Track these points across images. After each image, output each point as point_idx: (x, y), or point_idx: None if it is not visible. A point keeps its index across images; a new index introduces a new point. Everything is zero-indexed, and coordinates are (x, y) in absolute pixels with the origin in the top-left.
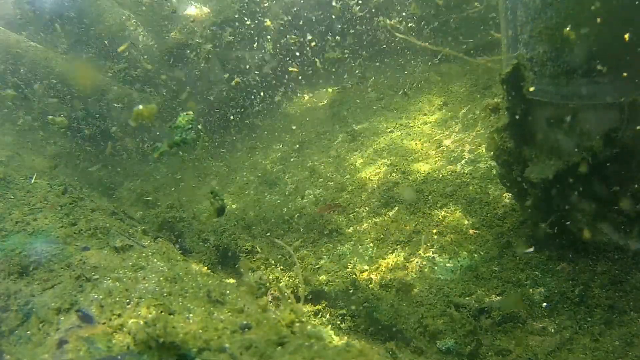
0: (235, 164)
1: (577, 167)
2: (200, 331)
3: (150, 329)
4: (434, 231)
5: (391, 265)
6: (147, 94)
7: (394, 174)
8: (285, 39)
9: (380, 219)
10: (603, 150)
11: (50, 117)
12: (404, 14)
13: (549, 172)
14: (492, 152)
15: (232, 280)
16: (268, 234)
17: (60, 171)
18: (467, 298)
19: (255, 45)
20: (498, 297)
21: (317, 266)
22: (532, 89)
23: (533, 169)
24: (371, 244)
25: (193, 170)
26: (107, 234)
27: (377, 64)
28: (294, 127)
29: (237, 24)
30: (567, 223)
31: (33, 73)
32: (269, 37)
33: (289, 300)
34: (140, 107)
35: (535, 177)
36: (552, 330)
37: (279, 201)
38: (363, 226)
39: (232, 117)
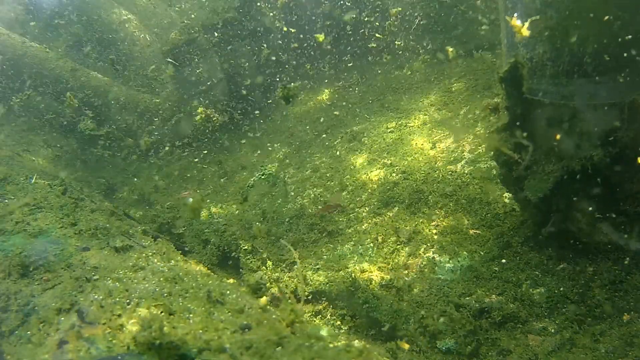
0: (235, 164)
1: (576, 172)
2: (201, 331)
3: (147, 331)
4: (434, 231)
5: (391, 265)
6: (147, 93)
7: (394, 174)
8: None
9: (380, 219)
10: (603, 159)
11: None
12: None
13: (548, 185)
14: (492, 152)
15: (232, 280)
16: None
17: (60, 171)
18: (467, 298)
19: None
20: (498, 297)
21: (317, 266)
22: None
23: (531, 186)
24: (371, 244)
25: (193, 171)
26: (107, 234)
27: (378, 64)
28: (294, 127)
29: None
30: (567, 223)
31: (35, 73)
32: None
33: (289, 301)
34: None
35: (534, 196)
36: (552, 330)
37: (279, 201)
38: (363, 226)
39: (231, 117)
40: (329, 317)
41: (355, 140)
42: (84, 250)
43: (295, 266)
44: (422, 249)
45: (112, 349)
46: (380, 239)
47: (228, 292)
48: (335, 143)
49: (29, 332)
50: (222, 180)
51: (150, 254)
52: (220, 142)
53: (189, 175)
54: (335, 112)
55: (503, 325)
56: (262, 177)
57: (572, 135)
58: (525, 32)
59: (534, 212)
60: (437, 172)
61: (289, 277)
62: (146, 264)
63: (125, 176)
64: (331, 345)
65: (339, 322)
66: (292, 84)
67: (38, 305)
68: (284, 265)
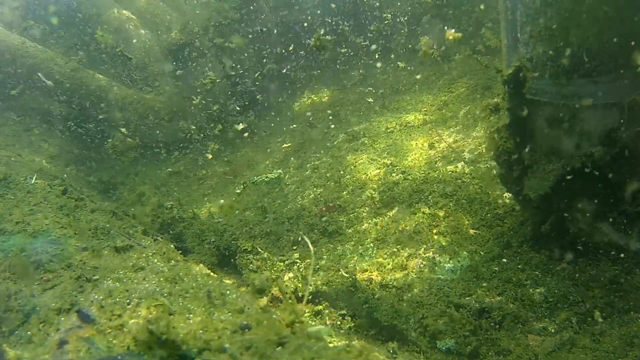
0: (235, 165)
1: (576, 171)
2: (201, 331)
3: (154, 325)
4: (434, 231)
5: (391, 265)
6: (148, 93)
7: (394, 174)
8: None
9: (380, 219)
10: (604, 156)
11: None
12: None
13: (548, 183)
14: (492, 152)
15: (232, 281)
16: (299, 235)
17: (60, 171)
18: (467, 298)
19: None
20: (498, 297)
21: (317, 266)
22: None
23: (531, 185)
24: (371, 244)
25: (194, 171)
26: (107, 234)
27: (377, 64)
28: (294, 127)
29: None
30: (567, 223)
31: (35, 74)
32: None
33: (290, 301)
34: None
35: (535, 194)
36: (552, 330)
37: (279, 201)
38: (363, 226)
39: (232, 117)
40: (329, 317)
41: (355, 140)
42: (84, 250)
43: (309, 263)
44: (422, 249)
45: (112, 349)
46: (380, 239)
47: (228, 292)
48: (335, 143)
49: (29, 332)
50: (220, 180)
51: (150, 254)
52: (221, 141)
53: (189, 175)
54: (335, 112)
55: (503, 325)
56: (265, 179)
57: (572, 135)
58: (458, 35)
59: (534, 211)
60: (437, 172)
61: (289, 277)
62: (146, 264)
63: (125, 176)
64: (331, 345)
65: (339, 323)
66: (328, 36)
67: (38, 305)
68: (283, 265)
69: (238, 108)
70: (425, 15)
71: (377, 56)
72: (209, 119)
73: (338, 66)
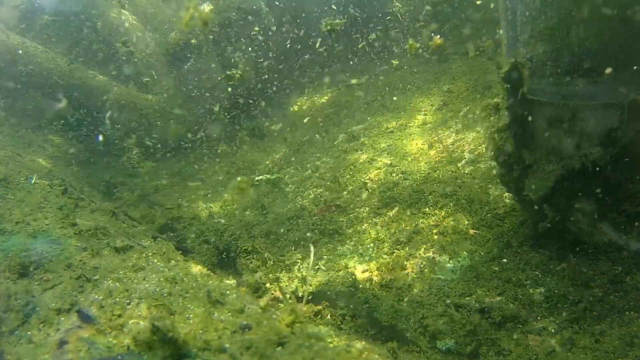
0: (235, 165)
1: (576, 172)
2: (201, 331)
3: (160, 323)
4: (434, 231)
5: (391, 265)
6: (149, 93)
7: (394, 174)
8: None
9: (380, 219)
10: (604, 156)
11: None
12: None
13: (549, 183)
14: (492, 152)
15: (232, 281)
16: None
17: (60, 171)
18: (467, 298)
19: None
20: (498, 297)
21: (317, 266)
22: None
23: (532, 185)
24: (371, 244)
25: (194, 171)
26: (107, 235)
27: (378, 63)
28: (294, 128)
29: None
30: (567, 223)
31: (35, 74)
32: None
33: (290, 301)
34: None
35: (535, 195)
36: (552, 330)
37: (279, 201)
38: (363, 226)
39: (232, 118)
40: (329, 317)
41: (355, 140)
42: (84, 250)
43: (308, 265)
44: (422, 249)
45: (112, 349)
46: (380, 239)
47: (228, 292)
48: (335, 143)
49: (29, 332)
50: (220, 180)
51: (150, 254)
52: (219, 142)
53: (188, 175)
54: (335, 112)
55: (503, 325)
56: (264, 180)
57: (572, 135)
58: (439, 41)
59: (534, 211)
60: (437, 172)
61: (289, 277)
62: (146, 264)
63: (125, 176)
64: (331, 346)
65: (339, 323)
66: (337, 20)
67: (38, 305)
68: (283, 265)
69: (252, 101)
70: (423, 14)
71: (377, 56)
72: (210, 118)
73: (338, 66)
